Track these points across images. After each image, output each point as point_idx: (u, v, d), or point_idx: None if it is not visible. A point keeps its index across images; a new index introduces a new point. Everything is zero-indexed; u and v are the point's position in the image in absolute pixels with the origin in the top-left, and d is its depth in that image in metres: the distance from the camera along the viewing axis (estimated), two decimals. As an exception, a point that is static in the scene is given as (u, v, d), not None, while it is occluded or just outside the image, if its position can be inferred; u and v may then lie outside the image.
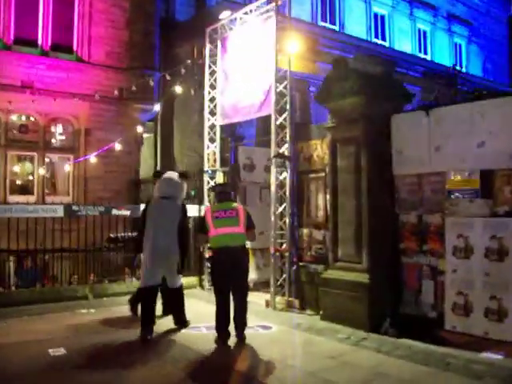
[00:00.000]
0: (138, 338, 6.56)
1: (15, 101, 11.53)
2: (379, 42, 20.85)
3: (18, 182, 12.45)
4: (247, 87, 9.29)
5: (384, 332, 6.56)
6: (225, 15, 10.06)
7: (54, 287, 9.41)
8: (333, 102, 7.40)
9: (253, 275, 9.22)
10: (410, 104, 7.61)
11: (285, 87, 8.55)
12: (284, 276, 8.41)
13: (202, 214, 9.58)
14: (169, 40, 14.16)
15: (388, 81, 7.37)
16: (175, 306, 7.17)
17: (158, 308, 7.20)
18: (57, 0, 12.66)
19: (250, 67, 9.24)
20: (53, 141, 12.75)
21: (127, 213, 9.73)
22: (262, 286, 9.39)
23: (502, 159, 5.87)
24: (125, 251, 10.31)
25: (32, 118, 12.40)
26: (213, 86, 10.40)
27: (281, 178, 8.55)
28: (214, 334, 6.49)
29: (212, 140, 10.37)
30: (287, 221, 8.45)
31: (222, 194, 6.80)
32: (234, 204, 6.71)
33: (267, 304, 8.33)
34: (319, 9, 19.47)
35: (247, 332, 6.54)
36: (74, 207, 9.34)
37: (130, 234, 10.04)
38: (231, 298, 6.51)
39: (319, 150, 8.29)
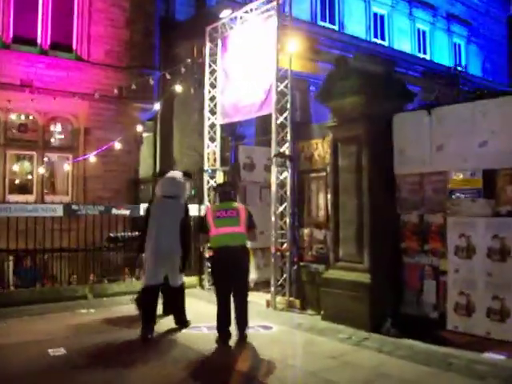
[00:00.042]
0: (138, 338, 6.53)
1: (14, 100, 11.50)
2: (378, 41, 20.85)
3: (17, 182, 12.42)
4: (248, 86, 9.26)
5: (385, 332, 6.53)
6: (225, 14, 10.02)
7: (54, 287, 9.39)
8: (334, 101, 7.38)
9: (253, 275, 9.18)
10: (411, 104, 7.59)
11: (286, 86, 8.52)
12: (285, 276, 8.38)
13: (202, 213, 9.66)
14: (168, 39, 14.13)
15: (389, 80, 7.34)
16: (176, 305, 7.14)
17: (159, 308, 7.16)
18: (56, -1, 12.66)
19: (250, 66, 9.21)
20: (52, 140, 12.73)
21: (127, 212, 9.71)
22: (263, 285, 9.35)
23: (505, 158, 5.84)
24: (125, 251, 10.29)
25: (31, 117, 12.37)
26: (213, 85, 10.37)
27: (281, 177, 8.52)
28: (214, 333, 6.46)
29: (212, 139, 10.33)
30: (288, 220, 8.42)
31: (224, 193, 6.79)
32: (235, 204, 6.70)
33: (268, 304, 8.30)
34: (318, 8, 19.46)
35: (248, 332, 6.51)
36: (74, 206, 9.31)
37: (129, 233, 10.02)
38: (232, 297, 6.48)
39: (320, 149, 8.26)
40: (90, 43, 12.94)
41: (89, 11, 12.93)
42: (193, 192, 10.28)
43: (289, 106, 8.49)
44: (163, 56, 13.81)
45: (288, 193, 8.46)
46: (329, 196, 7.82)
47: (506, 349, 5.72)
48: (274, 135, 8.54)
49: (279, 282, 8.39)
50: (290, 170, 8.44)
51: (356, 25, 20.22)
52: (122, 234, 10.16)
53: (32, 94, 11.57)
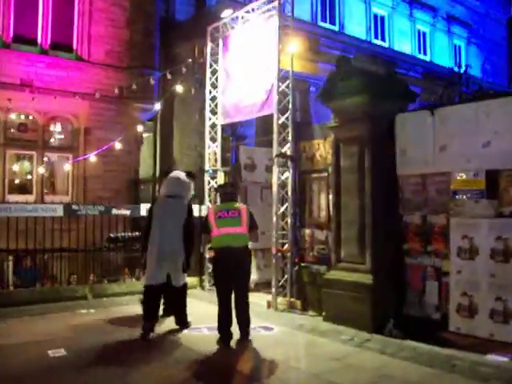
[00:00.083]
0: (139, 338, 6.51)
1: (14, 99, 11.46)
2: (379, 42, 20.82)
3: (17, 182, 12.37)
4: (249, 86, 9.23)
5: (388, 333, 6.50)
6: (226, 14, 10.00)
7: (54, 287, 9.34)
8: (336, 101, 7.35)
9: (254, 276, 9.10)
10: (413, 104, 7.56)
11: (287, 86, 8.50)
12: (286, 277, 8.34)
13: (203, 213, 9.64)
14: (168, 39, 14.09)
15: (391, 80, 7.32)
16: (177, 305, 7.10)
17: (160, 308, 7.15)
18: (56, -2, 12.61)
19: (251, 66, 9.18)
20: (52, 140, 12.68)
21: (127, 212, 9.67)
22: (263, 286, 9.32)
23: (508, 159, 5.81)
24: (125, 251, 10.25)
25: (31, 117, 12.33)
26: (214, 85, 10.34)
27: (283, 177, 8.49)
28: (215, 335, 6.43)
29: (213, 139, 10.30)
30: (289, 221, 8.40)
31: (225, 194, 6.79)
32: (237, 204, 6.68)
33: (269, 305, 8.27)
34: (319, 9, 19.43)
35: (249, 333, 6.49)
36: (74, 206, 9.27)
37: (130, 233, 9.98)
38: (233, 298, 6.46)
39: (322, 149, 8.24)
40: (91, 43, 12.90)
41: (89, 11, 12.89)
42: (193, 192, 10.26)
43: (290, 106, 8.47)
44: (163, 56, 13.77)
45: (289, 193, 8.43)
46: (330, 196, 7.79)
47: (509, 350, 5.69)
48: (275, 135, 8.51)
49: (280, 283, 8.36)
50: (291, 171, 8.42)
51: (356, 26, 20.19)
52: (122, 234, 10.12)
53: (32, 94, 11.52)
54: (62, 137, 12.82)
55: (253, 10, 9.25)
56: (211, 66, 10.41)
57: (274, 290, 8.28)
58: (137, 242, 9.90)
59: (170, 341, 6.59)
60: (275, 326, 7.19)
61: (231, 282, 6.41)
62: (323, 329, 6.99)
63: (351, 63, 7.18)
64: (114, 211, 9.47)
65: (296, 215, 8.49)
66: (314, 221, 8.46)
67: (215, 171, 10.14)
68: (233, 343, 6.32)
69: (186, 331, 6.92)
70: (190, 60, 10.75)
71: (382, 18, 21.68)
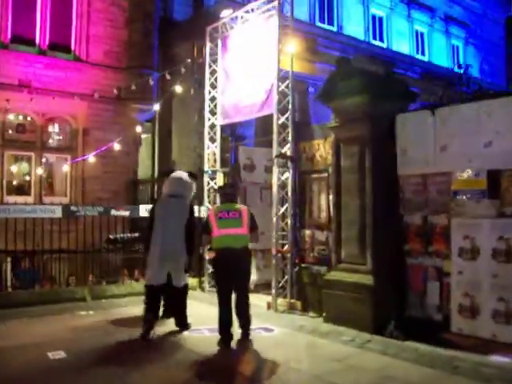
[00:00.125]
0: (138, 340, 6.47)
1: (12, 100, 11.40)
2: (377, 43, 20.82)
3: (15, 183, 12.31)
4: (248, 86, 9.20)
5: (389, 334, 6.46)
6: (226, 14, 9.97)
7: (53, 289, 9.28)
8: (336, 101, 7.32)
9: (253, 276, 9.06)
10: (413, 104, 7.54)
11: (287, 86, 8.47)
12: (286, 277, 8.31)
13: (202, 214, 9.61)
14: (167, 40, 14.06)
15: (391, 80, 7.30)
16: (178, 306, 7.06)
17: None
18: (55, -2, 12.57)
19: (251, 66, 9.15)
20: (50, 141, 12.63)
21: (126, 213, 9.63)
22: (263, 287, 9.28)
23: (510, 159, 5.78)
24: (124, 252, 10.21)
25: (29, 118, 12.27)
26: (213, 86, 10.31)
27: (283, 178, 8.46)
28: (216, 336, 6.39)
29: (212, 140, 10.26)
30: (289, 222, 8.36)
31: (226, 195, 6.78)
32: (238, 205, 6.66)
33: (269, 306, 8.24)
34: (317, 10, 19.41)
35: (250, 332, 6.48)
36: (73, 208, 9.23)
37: (128, 234, 9.95)
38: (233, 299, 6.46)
39: (322, 150, 8.20)
40: (89, 43, 12.85)
41: (88, 11, 12.84)
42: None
43: (290, 106, 8.44)
44: (162, 56, 13.73)
45: (289, 194, 8.39)
46: (331, 197, 7.76)
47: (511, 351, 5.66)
48: (275, 136, 8.47)
49: (280, 284, 8.32)
50: (291, 171, 8.38)
51: (355, 26, 20.18)
52: (122, 235, 10.08)
53: (30, 95, 11.47)
54: (61, 138, 12.77)
55: (252, 10, 9.22)
56: (210, 66, 10.38)
57: (274, 291, 8.25)
58: (136, 243, 9.87)
59: (170, 342, 6.56)
60: (276, 328, 7.16)
61: (232, 283, 6.40)
62: (324, 330, 6.96)
63: (351, 63, 7.15)
64: (113, 212, 9.43)
65: (296, 216, 8.45)
66: (314, 221, 8.42)
67: (214, 172, 10.11)
68: (233, 344, 6.29)
69: (186, 332, 6.89)
70: (189, 60, 10.73)
71: (381, 19, 21.69)
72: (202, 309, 8.08)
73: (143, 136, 13.90)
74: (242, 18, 9.53)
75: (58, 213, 8.83)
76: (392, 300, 6.72)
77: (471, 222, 6.09)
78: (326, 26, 19.11)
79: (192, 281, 9.83)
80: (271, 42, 8.57)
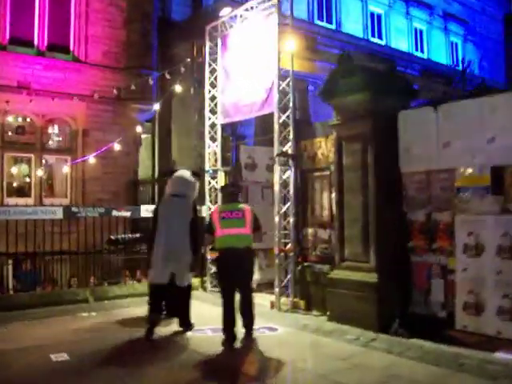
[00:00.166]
0: (141, 341, 6.44)
1: (12, 102, 11.36)
2: (376, 40, 20.79)
3: (15, 184, 12.27)
4: (248, 85, 9.16)
5: (394, 332, 6.43)
6: (225, 12, 9.93)
7: (54, 290, 9.24)
8: (338, 98, 7.28)
9: (255, 276, 9.03)
10: (414, 101, 7.51)
11: (287, 85, 8.43)
12: (289, 276, 8.26)
13: (203, 214, 9.58)
14: (166, 40, 14.03)
15: (393, 77, 7.26)
16: (181, 306, 7.03)
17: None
18: (53, -1, 12.52)
19: (251, 65, 9.10)
20: (50, 142, 12.59)
21: (127, 214, 9.59)
22: (265, 287, 9.23)
23: (513, 155, 5.76)
24: (125, 253, 10.17)
25: (29, 119, 12.23)
26: (213, 85, 10.26)
27: (284, 176, 8.41)
28: (219, 336, 6.36)
29: (213, 139, 10.22)
30: (291, 220, 8.32)
31: (229, 194, 6.75)
32: (241, 205, 6.62)
33: (272, 305, 8.20)
34: (316, 8, 19.39)
35: (254, 331, 6.47)
36: (74, 209, 9.19)
37: (130, 235, 9.91)
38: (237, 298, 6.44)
39: (324, 148, 8.16)
40: (88, 44, 12.81)
41: (86, 12, 12.80)
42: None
43: (291, 104, 8.39)
44: (160, 56, 13.69)
45: (291, 192, 8.35)
46: (333, 195, 7.73)
47: (517, 348, 5.63)
48: (276, 134, 8.43)
49: (283, 283, 8.28)
50: (292, 170, 8.34)
51: (353, 24, 20.17)
52: (123, 236, 10.05)
53: (29, 96, 11.43)
54: (60, 139, 12.73)
55: (251, 8, 9.17)
56: (210, 65, 10.33)
57: (277, 290, 8.21)
58: (137, 244, 9.83)
59: (173, 342, 6.52)
60: (279, 327, 7.13)
61: (235, 283, 6.39)
62: (328, 329, 6.92)
63: (352, 60, 7.11)
64: (114, 213, 9.39)
65: (298, 214, 8.41)
66: (316, 220, 8.39)
67: (215, 171, 10.06)
68: (237, 344, 6.26)
69: (189, 333, 6.85)
70: (189, 60, 10.66)
71: (379, 16, 21.68)
72: (205, 309, 8.05)
73: (143, 136, 13.87)
74: (241, 16, 9.48)
75: (58, 214, 8.80)
76: (396, 298, 6.70)
77: (475, 218, 6.06)
78: (324, 24, 19.08)
79: (194, 281, 9.78)
80: (271, 41, 8.53)
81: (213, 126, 10.23)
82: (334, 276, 7.37)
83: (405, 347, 5.97)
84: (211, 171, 10.10)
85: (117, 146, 11.58)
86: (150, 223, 7.34)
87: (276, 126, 8.41)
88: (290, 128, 8.37)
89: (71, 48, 12.75)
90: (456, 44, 24.81)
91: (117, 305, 8.75)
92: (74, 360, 5.76)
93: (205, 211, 9.79)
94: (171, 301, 7.12)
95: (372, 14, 21.34)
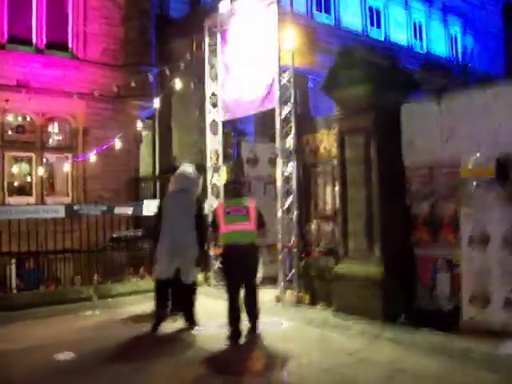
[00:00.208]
0: (146, 339, 6.44)
1: (11, 100, 11.36)
2: (375, 33, 20.71)
3: (16, 184, 12.24)
4: (249, 81, 9.09)
5: (399, 326, 6.39)
6: (224, 7, 9.84)
7: (57, 289, 9.20)
8: (340, 92, 7.23)
9: (260, 271, 9.04)
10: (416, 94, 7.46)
11: (288, 80, 8.38)
12: (293, 271, 8.23)
13: (205, 210, 9.53)
14: (164, 37, 13.98)
15: (395, 69, 7.22)
16: (186, 303, 7.01)
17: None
18: (50, -3, 12.48)
19: (251, 60, 9.04)
20: (50, 141, 12.56)
21: (129, 211, 9.55)
22: (269, 282, 9.17)
23: (518, 146, 5.72)
24: (128, 250, 10.14)
25: (28, 118, 12.20)
26: (213, 80, 10.19)
27: (287, 171, 8.36)
28: (224, 332, 6.34)
29: (214, 135, 10.15)
30: (294, 215, 8.28)
31: (233, 190, 6.74)
32: (246, 201, 6.59)
33: (277, 300, 8.17)
34: (314, 1, 19.29)
35: (259, 324, 6.46)
36: (76, 207, 9.16)
37: (132, 233, 9.88)
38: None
39: (326, 142, 8.12)
40: (86, 41, 12.80)
41: (84, 9, 12.76)
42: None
43: (292, 99, 8.35)
44: (159, 53, 13.66)
45: (294, 187, 8.31)
46: (336, 189, 7.69)
47: (524, 340, 5.60)
48: (277, 129, 8.38)
49: (287, 278, 8.25)
50: (295, 164, 8.29)
51: (352, 17, 20.07)
52: (125, 233, 10.02)
53: (29, 95, 11.38)
54: (60, 138, 12.70)
55: (251, 2, 9.10)
56: (210, 60, 10.26)
57: (281, 284, 8.19)
58: (140, 241, 9.80)
59: (179, 339, 6.50)
60: (284, 321, 7.11)
61: (240, 278, 6.37)
62: (333, 323, 6.89)
63: (354, 54, 7.06)
64: (116, 210, 9.36)
65: (301, 209, 8.37)
66: (319, 214, 8.36)
67: (217, 167, 10.01)
68: (243, 339, 6.24)
69: (195, 329, 6.82)
70: (188, 55, 10.59)
71: (378, 9, 21.56)
72: (210, 305, 8.00)
73: (144, 133, 13.83)
74: (240, 10, 9.41)
75: (61, 212, 8.77)
76: (401, 291, 6.68)
77: (480, 210, 6.02)
78: (323, 18, 19.00)
79: (198, 276, 9.79)
80: (271, 35, 8.47)
81: (213, 121, 10.17)
82: (338, 270, 7.34)
83: (411, 341, 5.93)
84: (213, 167, 10.04)
85: (117, 144, 11.53)
86: (153, 219, 7.30)
87: (277, 121, 8.37)
88: (292, 123, 8.32)
89: (70, 46, 12.74)
90: (455, 37, 24.73)
91: (120, 302, 8.71)
92: (78, 359, 5.74)
93: (207, 207, 9.73)
94: (177, 297, 7.10)
95: (371, 7, 21.24)
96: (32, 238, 8.61)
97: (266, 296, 8.09)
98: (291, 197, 8.32)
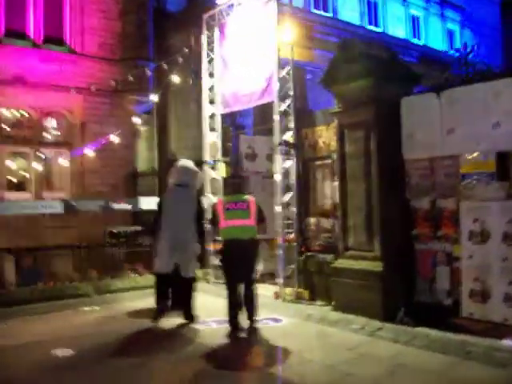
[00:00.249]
0: (145, 334, 6.44)
1: (8, 95, 11.23)
2: (373, 28, 20.61)
3: (14, 179, 12.14)
4: (247, 74, 9.06)
5: (399, 321, 6.39)
6: (222, 0, 9.78)
7: (56, 285, 9.14)
8: (340, 85, 7.18)
9: (258, 267, 9.00)
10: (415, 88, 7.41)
11: (288, 73, 8.33)
12: (292, 267, 8.20)
13: (204, 205, 9.49)
14: (162, 31, 13.87)
15: (396, 63, 7.17)
16: (185, 298, 6.99)
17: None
18: (47, -9, 12.36)
19: (250, 53, 9.00)
20: (47, 136, 12.45)
21: (127, 206, 9.52)
22: (268, 277, 9.17)
23: (519, 140, 5.69)
24: (127, 246, 10.11)
25: (25, 113, 12.07)
26: (211, 75, 10.15)
27: (286, 166, 8.32)
28: (224, 328, 6.37)
29: (212, 130, 10.12)
30: (294, 210, 8.24)
31: (233, 185, 6.72)
32: (246, 196, 6.58)
33: (276, 296, 8.15)
34: (312, -5, 19.18)
35: (257, 320, 6.46)
36: (74, 202, 9.13)
37: (131, 228, 9.84)
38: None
39: (325, 136, 8.07)
40: (83, 36, 12.64)
41: (81, 3, 12.63)
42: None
43: (291, 93, 8.30)
44: (157, 47, 13.54)
45: (293, 182, 8.27)
46: (335, 183, 7.64)
47: (525, 335, 5.59)
48: (276, 123, 8.34)
49: (286, 274, 8.21)
50: (294, 159, 8.25)
51: (349, 11, 19.95)
52: (124, 229, 9.98)
53: (26, 89, 11.29)
54: (59, 133, 12.58)
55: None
56: (208, 55, 10.21)
57: (280, 280, 8.16)
58: (139, 237, 9.77)
59: (179, 335, 6.49)
60: (284, 317, 7.09)
61: (239, 274, 6.37)
62: (333, 318, 6.87)
63: (354, 47, 7.00)
64: (115, 206, 9.32)
65: (300, 204, 8.33)
66: (318, 209, 8.32)
67: (215, 162, 9.97)
68: (243, 335, 6.23)
69: (194, 325, 6.81)
70: (186, 50, 10.51)
71: (375, 3, 21.45)
72: (209, 301, 7.98)
73: (142, 128, 13.75)
74: (238, 4, 9.35)
75: (59, 208, 8.75)
76: (401, 286, 6.65)
77: (480, 205, 6.00)
78: (321, 12, 18.89)
79: (197, 272, 9.75)
80: (269, 28, 8.42)
81: (212, 116, 10.13)
82: (337, 265, 7.32)
83: (411, 336, 5.93)
84: (211, 162, 10.01)
85: (115, 139, 11.46)
86: (154, 214, 7.27)
87: (276, 115, 8.32)
88: (291, 117, 8.28)
89: (67, 40, 12.59)
90: (453, 31, 24.64)
91: (119, 298, 8.71)
92: (77, 354, 5.73)
93: (205, 203, 9.69)
94: (176, 292, 7.09)
95: (369, 1, 21.13)
96: (30, 233, 8.57)
97: (265, 292, 8.08)
98: (290, 191, 8.28)
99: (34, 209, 8.56)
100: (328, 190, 8.14)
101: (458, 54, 6.94)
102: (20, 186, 11.98)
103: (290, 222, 8.29)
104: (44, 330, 6.79)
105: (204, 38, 10.22)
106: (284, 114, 8.32)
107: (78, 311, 7.93)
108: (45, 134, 12.36)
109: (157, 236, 6.93)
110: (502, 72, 6.22)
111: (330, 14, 19.29)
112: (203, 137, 10.22)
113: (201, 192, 9.78)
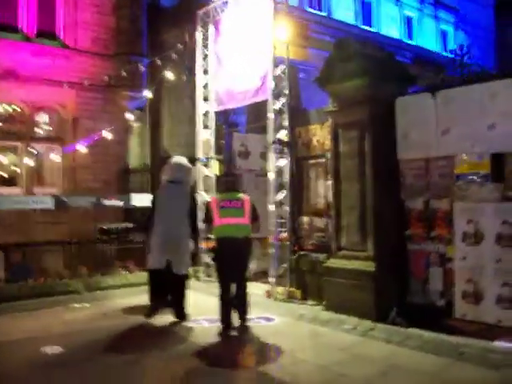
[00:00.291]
0: (136, 332, 6.40)
1: (-1, 89, 11.12)
2: (366, 28, 20.63)
3: (5, 174, 12.02)
4: (242, 72, 9.00)
5: (391, 322, 6.36)
6: (217, -3, 9.73)
7: (46, 282, 9.05)
8: (335, 84, 7.14)
9: (251, 265, 8.96)
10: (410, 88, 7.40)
11: (283, 72, 8.29)
12: (284, 266, 8.17)
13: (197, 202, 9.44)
14: (155, 26, 13.79)
15: (391, 62, 7.14)
16: (177, 296, 6.93)
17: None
18: (40, -15, 12.23)
19: (245, 51, 8.94)
20: (39, 131, 12.34)
21: (119, 203, 9.46)
22: (260, 276, 9.14)
23: (514, 142, 5.68)
24: (118, 243, 10.04)
25: (17, 108, 11.96)
26: (206, 72, 10.08)
27: (279, 164, 8.28)
28: (215, 326, 6.33)
29: (205, 127, 10.06)
30: (287, 209, 8.21)
31: (227, 183, 6.69)
32: (240, 194, 6.54)
33: (268, 295, 8.11)
34: (307, -6, 19.14)
35: (248, 318, 6.46)
36: (65, 198, 9.05)
37: (122, 225, 9.77)
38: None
39: (319, 135, 8.04)
40: (76, 30, 12.56)
41: (74, -3, 12.54)
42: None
43: (286, 91, 8.26)
44: (150, 43, 13.47)
45: (286, 180, 8.24)
46: (329, 183, 7.61)
47: (518, 336, 5.59)
48: (270, 121, 8.30)
49: (279, 273, 8.18)
50: (288, 157, 8.22)
51: (344, 11, 19.94)
52: (116, 226, 9.91)
53: (17, 83, 11.17)
54: (50, 128, 12.48)
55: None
56: (202, 51, 10.14)
57: (272, 279, 8.13)
58: (130, 234, 9.71)
59: (171, 332, 6.44)
60: (275, 317, 7.05)
61: (232, 272, 6.33)
62: (325, 318, 6.84)
63: (350, 46, 6.96)
64: (106, 202, 9.25)
65: (294, 203, 8.29)
66: (312, 208, 8.29)
67: (208, 159, 9.92)
68: (234, 334, 6.20)
69: (185, 324, 6.76)
70: (180, 46, 10.43)
71: (370, 4, 21.46)
72: (200, 299, 7.91)
73: (134, 124, 13.67)
74: (233, 0, 9.28)
75: (50, 204, 8.66)
76: (394, 286, 6.63)
77: (475, 206, 5.99)
78: (316, 11, 18.87)
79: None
80: (265, 26, 8.37)
81: (205, 113, 10.07)
82: (330, 265, 7.28)
83: (404, 336, 5.91)
84: (204, 159, 9.95)
85: (107, 134, 11.36)
86: (148, 211, 7.25)
87: (271, 114, 8.28)
88: (285, 115, 8.24)
89: (60, 35, 12.49)
90: (446, 32, 24.71)
91: (109, 295, 8.65)
92: (68, 351, 5.68)
93: (199, 199, 9.65)
94: (168, 290, 7.04)
95: (363, 1, 21.13)
96: (20, 229, 8.48)
97: (257, 290, 8.05)
98: (284, 190, 8.25)
99: (24, 204, 8.48)
100: (321, 189, 8.11)
101: (452, 56, 6.88)
102: (11, 181, 11.87)
103: (283, 220, 8.25)
104: (34, 327, 6.73)
105: (198, 35, 10.15)
106: (278, 112, 8.28)
107: (68, 308, 7.87)
108: (36, 128, 12.26)
109: (150, 232, 6.90)
110: (498, 73, 6.19)
111: (324, 13, 19.28)
112: (196, 134, 10.16)
113: (194, 189, 9.79)
